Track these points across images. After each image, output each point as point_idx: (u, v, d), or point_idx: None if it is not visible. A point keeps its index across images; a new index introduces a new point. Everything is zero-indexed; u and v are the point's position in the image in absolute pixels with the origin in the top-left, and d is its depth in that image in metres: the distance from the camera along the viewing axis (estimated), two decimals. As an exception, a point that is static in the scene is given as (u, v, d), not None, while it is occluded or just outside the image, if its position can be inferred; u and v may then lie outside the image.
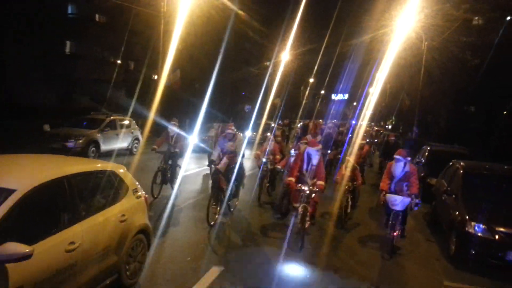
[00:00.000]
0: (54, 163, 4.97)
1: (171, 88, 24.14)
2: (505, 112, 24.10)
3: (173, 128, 11.00)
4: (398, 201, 7.70)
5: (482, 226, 7.31)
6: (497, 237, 7.12)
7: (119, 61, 33.31)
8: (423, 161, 14.18)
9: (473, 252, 7.24)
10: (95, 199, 4.98)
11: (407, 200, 7.69)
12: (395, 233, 7.71)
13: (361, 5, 36.08)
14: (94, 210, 4.79)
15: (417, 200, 7.70)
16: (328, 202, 10.00)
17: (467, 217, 7.53)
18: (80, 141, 14.72)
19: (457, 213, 7.97)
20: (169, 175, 10.73)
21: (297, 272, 6.52)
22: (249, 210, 9.93)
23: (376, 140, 27.85)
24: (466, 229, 7.38)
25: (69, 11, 32.41)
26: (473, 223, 7.37)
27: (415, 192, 7.69)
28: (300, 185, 8.07)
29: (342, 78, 53.20)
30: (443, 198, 9.26)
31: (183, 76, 26.59)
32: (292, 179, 8.22)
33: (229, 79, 36.07)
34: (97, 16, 32.82)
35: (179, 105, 30.63)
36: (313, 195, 8.07)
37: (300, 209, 7.81)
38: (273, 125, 24.37)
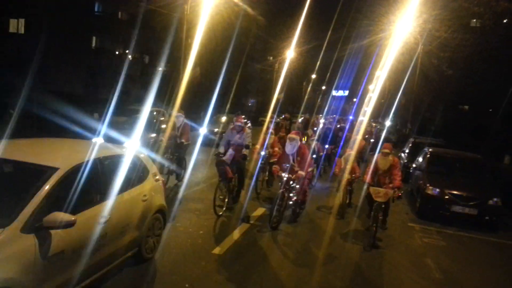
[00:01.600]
0: (87, 146, 5.27)
1: (192, 83, 24.70)
2: (490, 110, 24.27)
3: (179, 119, 10.61)
4: (382, 193, 7.66)
5: (437, 189, 10.18)
6: (446, 197, 10.01)
7: (131, 56, 33.23)
8: (407, 151, 16.66)
9: (430, 207, 10.26)
10: (122, 179, 5.18)
11: (390, 192, 7.70)
12: (377, 227, 7.72)
13: (362, 9, 35.98)
14: (121, 189, 5.00)
15: (399, 193, 7.78)
16: (325, 194, 10.22)
17: (427, 184, 10.40)
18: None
19: (421, 181, 10.83)
20: (174, 166, 10.34)
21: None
22: (247, 202, 9.49)
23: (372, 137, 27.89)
24: (427, 191, 10.28)
25: (96, 9, 32.63)
26: (431, 187, 10.26)
27: (398, 185, 7.74)
28: (280, 171, 8.18)
29: (343, 75, 52.36)
30: (415, 173, 12.26)
31: (201, 72, 27.09)
32: (276, 167, 8.35)
33: (235, 74, 35.98)
34: (120, 13, 33.04)
35: (197, 99, 31.16)
36: (291, 182, 8.10)
37: (280, 194, 7.97)
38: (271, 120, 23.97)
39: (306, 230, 8.15)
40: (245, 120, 12.00)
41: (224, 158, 8.67)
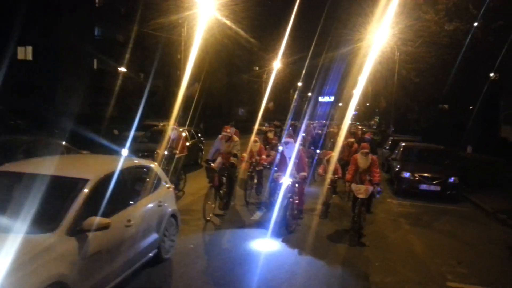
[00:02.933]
0: (110, 160, 5.68)
1: (191, 97, 25.38)
2: (471, 107, 24.95)
3: (174, 132, 10.61)
4: (362, 190, 7.76)
5: (408, 173, 12.54)
6: (416, 178, 12.33)
7: (130, 75, 33.48)
8: (387, 147, 18.65)
9: (404, 187, 12.57)
10: (141, 188, 5.56)
11: (370, 188, 7.80)
12: (361, 222, 7.84)
13: (343, 21, 36.60)
14: (140, 196, 5.36)
15: (378, 188, 7.96)
16: (311, 197, 10.22)
17: (401, 169, 12.85)
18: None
19: (397, 168, 13.23)
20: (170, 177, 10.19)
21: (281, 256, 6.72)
22: (238, 208, 9.55)
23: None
24: (400, 175, 12.70)
25: (96, 33, 33.21)
26: (403, 172, 12.66)
27: (377, 181, 7.91)
28: (283, 178, 8.01)
29: (328, 82, 52.14)
30: (393, 163, 14.38)
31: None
32: (279, 174, 8.21)
33: (226, 86, 36.14)
34: (117, 36, 33.52)
35: (195, 112, 31.61)
36: (296, 185, 7.98)
37: (288, 200, 7.80)
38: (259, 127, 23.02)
39: (299, 233, 7.98)
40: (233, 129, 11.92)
41: (213, 165, 8.60)
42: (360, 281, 5.95)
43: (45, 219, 3.91)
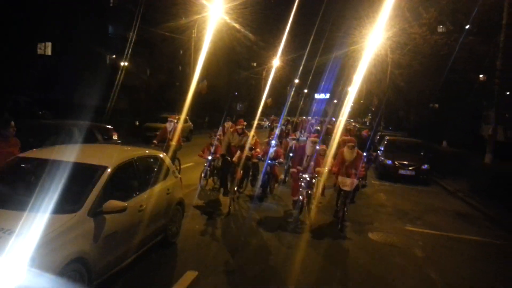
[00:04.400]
0: (125, 149, 5.77)
1: (199, 93, 25.68)
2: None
3: (171, 124, 10.48)
4: (348, 183, 7.58)
5: (390, 161, 14.32)
6: (396, 165, 14.15)
7: (139, 70, 33.64)
8: (375, 141, 19.53)
9: (385, 172, 14.41)
10: (151, 176, 5.61)
11: (355, 181, 7.68)
12: (344, 213, 7.58)
13: (338, 24, 36.57)
14: (152, 184, 5.42)
15: (363, 182, 8.15)
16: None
17: (384, 158, 14.60)
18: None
19: (382, 158, 14.78)
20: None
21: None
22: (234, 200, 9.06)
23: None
24: (383, 162, 14.53)
25: (109, 31, 33.07)
26: (386, 160, 14.46)
27: (362, 175, 7.85)
28: (301, 173, 7.87)
29: (324, 79, 51.23)
30: (379, 153, 15.10)
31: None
32: (295, 170, 7.99)
33: (226, 81, 36.10)
34: (128, 34, 33.44)
35: (203, 106, 32.03)
36: (313, 180, 7.82)
37: (301, 197, 7.64)
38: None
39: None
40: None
41: (234, 159, 8.26)
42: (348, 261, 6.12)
43: (69, 201, 4.07)
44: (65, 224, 3.78)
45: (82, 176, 4.51)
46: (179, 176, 6.54)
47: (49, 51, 30.68)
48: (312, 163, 7.89)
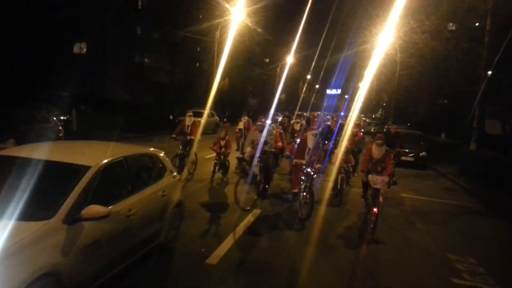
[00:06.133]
0: (114, 147, 5.04)
1: (221, 90, 28.36)
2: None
3: (190, 118, 10.38)
4: (379, 181, 7.12)
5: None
6: (398, 152, 14.95)
7: (164, 68, 35.80)
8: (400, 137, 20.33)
9: None
10: (144, 176, 4.99)
11: (386, 179, 7.15)
12: (374, 209, 6.93)
13: (348, 24, 38.68)
14: (144, 186, 4.78)
15: (394, 179, 7.49)
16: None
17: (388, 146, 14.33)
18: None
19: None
20: (185, 161, 9.79)
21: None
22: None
23: (362, 130, 28.93)
24: None
25: (138, 31, 35.12)
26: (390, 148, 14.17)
27: (391, 172, 7.27)
28: (304, 166, 7.58)
29: (336, 75, 51.78)
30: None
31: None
32: (298, 161, 7.75)
33: (241, 78, 38.44)
34: (155, 34, 35.53)
35: (225, 102, 34.28)
36: (315, 176, 7.46)
37: (301, 191, 7.37)
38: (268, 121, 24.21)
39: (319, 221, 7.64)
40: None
41: (245, 155, 8.04)
42: (371, 266, 5.70)
43: (42, 207, 3.49)
44: (34, 233, 3.18)
45: (60, 177, 3.94)
46: (178, 175, 5.80)
47: (84, 51, 32.89)
48: (314, 157, 7.56)
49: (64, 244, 3.41)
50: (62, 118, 16.82)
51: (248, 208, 7.46)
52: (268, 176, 8.40)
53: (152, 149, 5.58)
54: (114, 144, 5.14)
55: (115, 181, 4.33)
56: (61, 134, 12.53)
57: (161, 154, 5.57)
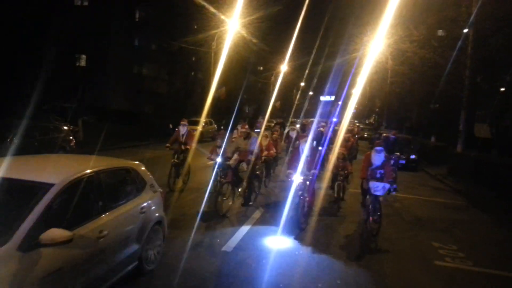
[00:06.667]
0: (83, 160, 4.57)
1: (218, 99, 28.92)
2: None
3: (184, 128, 10.02)
4: (380, 187, 7.03)
5: None
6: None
7: (161, 78, 36.30)
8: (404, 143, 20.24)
9: None
10: (119, 192, 4.52)
11: (387, 186, 7.05)
12: (373, 218, 6.97)
13: (341, 32, 39.65)
14: (119, 203, 4.33)
15: (394, 185, 7.37)
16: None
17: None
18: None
19: None
20: (181, 170, 9.56)
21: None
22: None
23: (357, 135, 28.95)
24: None
25: (136, 43, 35.58)
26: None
27: (392, 178, 7.10)
28: (290, 174, 7.34)
29: (329, 82, 50.16)
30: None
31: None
32: (291, 171, 7.39)
33: (237, 86, 38.01)
34: (153, 45, 36.11)
35: (221, 110, 34.75)
36: (307, 182, 7.25)
37: (300, 198, 7.20)
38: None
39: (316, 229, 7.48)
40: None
41: (230, 162, 7.93)
42: (375, 276, 5.45)
43: None
44: (-19, 263, 2.57)
45: (18, 197, 3.52)
46: (160, 190, 5.37)
47: (83, 63, 33.33)
48: (305, 164, 7.39)
49: (20, 274, 2.97)
50: (69, 128, 17.45)
51: (222, 213, 7.45)
52: (252, 183, 8.43)
53: (130, 162, 5.12)
54: (86, 157, 4.69)
55: (84, 200, 3.84)
56: (72, 144, 12.85)
57: (142, 168, 5.14)
